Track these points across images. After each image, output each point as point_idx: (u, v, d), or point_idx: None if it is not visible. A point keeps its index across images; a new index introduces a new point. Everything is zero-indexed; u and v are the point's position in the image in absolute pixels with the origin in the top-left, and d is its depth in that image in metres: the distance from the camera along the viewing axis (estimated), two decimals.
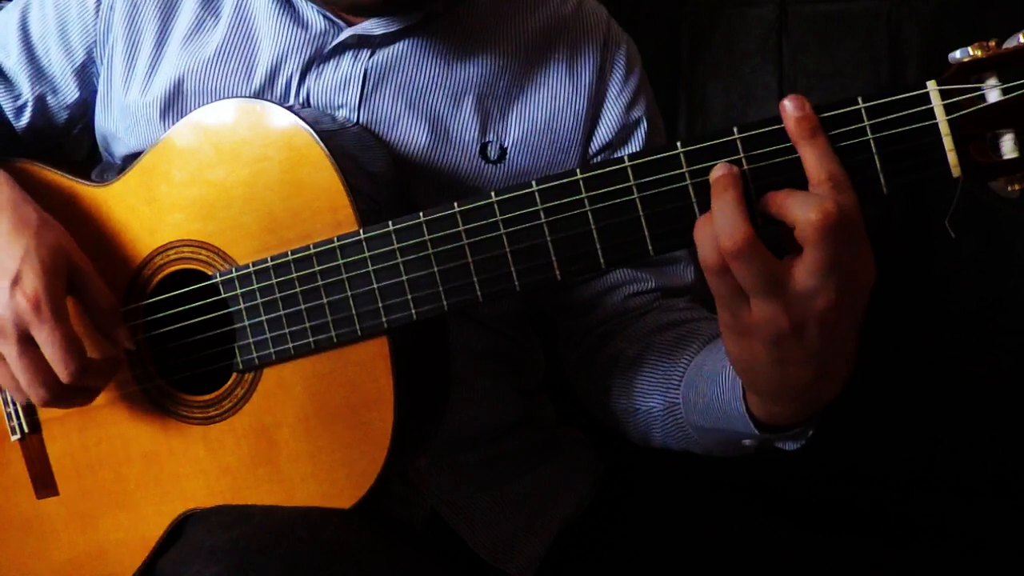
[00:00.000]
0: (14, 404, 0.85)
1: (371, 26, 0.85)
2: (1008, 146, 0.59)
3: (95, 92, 0.92)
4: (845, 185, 0.59)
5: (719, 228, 0.58)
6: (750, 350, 0.62)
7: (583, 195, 0.64)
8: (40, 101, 0.93)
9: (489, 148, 0.87)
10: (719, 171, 0.60)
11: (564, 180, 0.64)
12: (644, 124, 0.93)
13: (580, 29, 0.92)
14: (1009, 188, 0.60)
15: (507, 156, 0.88)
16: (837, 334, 0.60)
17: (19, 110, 0.94)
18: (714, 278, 0.60)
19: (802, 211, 0.57)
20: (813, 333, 0.60)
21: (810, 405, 0.67)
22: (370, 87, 0.86)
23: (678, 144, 0.62)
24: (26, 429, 0.84)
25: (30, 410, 0.85)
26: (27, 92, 0.93)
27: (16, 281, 0.73)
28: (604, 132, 0.92)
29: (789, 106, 0.60)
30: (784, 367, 0.62)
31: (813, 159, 0.59)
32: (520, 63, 0.89)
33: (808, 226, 0.57)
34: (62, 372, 0.73)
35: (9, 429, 0.85)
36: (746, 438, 0.74)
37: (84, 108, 0.94)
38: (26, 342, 0.73)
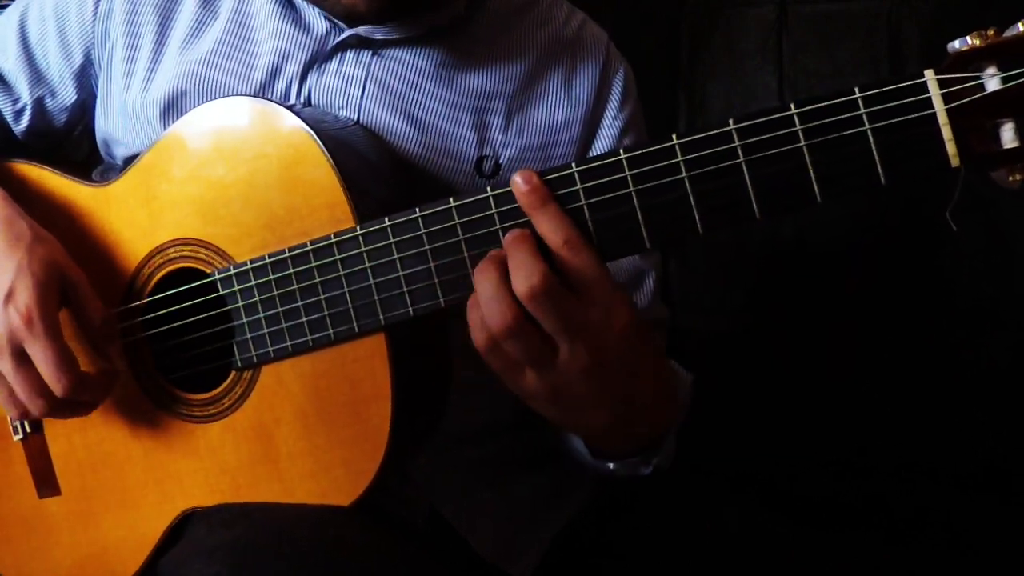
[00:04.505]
0: None
1: (372, 30, 0.85)
2: (1008, 136, 0.58)
3: (94, 94, 0.92)
4: (580, 246, 0.62)
5: (517, 281, 0.62)
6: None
7: (578, 187, 0.64)
8: (39, 104, 0.93)
9: (485, 163, 0.87)
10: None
11: (560, 174, 0.64)
12: None
13: (581, 51, 0.92)
14: (1010, 178, 0.59)
15: (501, 171, 0.88)
16: (597, 384, 0.64)
17: (18, 113, 0.93)
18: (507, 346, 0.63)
19: (516, 281, 0.62)
20: (576, 385, 0.64)
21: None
22: (370, 90, 0.86)
23: (673, 137, 0.63)
24: (28, 429, 0.84)
25: None
26: (26, 95, 0.93)
27: (9, 297, 0.73)
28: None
29: (519, 180, 0.63)
30: (568, 414, 0.67)
31: (548, 227, 0.63)
32: (521, 80, 0.89)
33: (521, 296, 0.61)
34: (56, 387, 0.73)
35: (11, 429, 0.85)
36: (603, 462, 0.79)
37: (83, 110, 0.94)
38: (21, 357, 0.73)
